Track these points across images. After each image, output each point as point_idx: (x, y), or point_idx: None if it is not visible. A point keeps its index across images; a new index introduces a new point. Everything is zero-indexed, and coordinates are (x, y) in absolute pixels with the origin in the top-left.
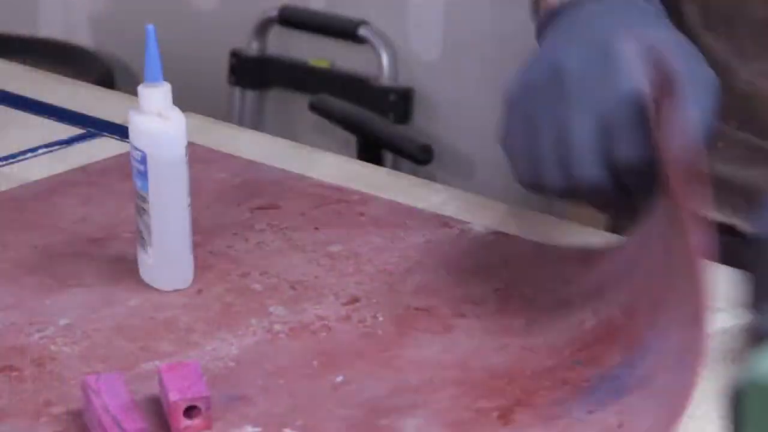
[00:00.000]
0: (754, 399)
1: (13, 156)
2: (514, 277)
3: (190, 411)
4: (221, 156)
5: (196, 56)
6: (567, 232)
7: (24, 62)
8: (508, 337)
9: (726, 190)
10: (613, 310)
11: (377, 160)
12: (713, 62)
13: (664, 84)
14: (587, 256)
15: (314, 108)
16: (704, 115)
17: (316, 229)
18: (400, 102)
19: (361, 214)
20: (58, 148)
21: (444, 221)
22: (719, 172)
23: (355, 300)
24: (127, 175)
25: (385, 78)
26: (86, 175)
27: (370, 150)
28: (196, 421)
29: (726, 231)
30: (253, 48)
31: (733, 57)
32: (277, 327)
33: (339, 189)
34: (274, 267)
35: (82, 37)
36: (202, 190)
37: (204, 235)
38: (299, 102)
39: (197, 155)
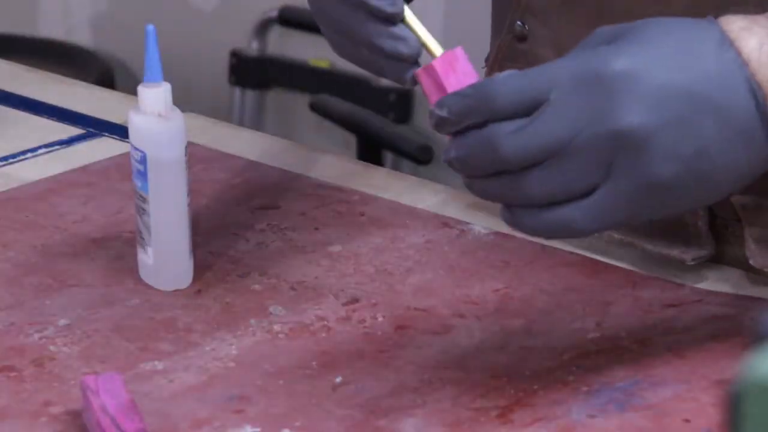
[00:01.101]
0: (754, 399)
1: (13, 156)
2: (514, 277)
3: None
4: (221, 156)
5: (196, 56)
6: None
7: (24, 62)
8: (507, 337)
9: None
10: (620, 331)
11: (377, 160)
12: None
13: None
14: (591, 264)
15: (314, 108)
16: None
17: (316, 229)
18: (400, 102)
19: (361, 214)
20: (58, 148)
21: (444, 221)
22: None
23: (355, 300)
24: (127, 175)
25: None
26: (86, 175)
27: (370, 150)
28: None
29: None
30: (253, 48)
31: None
32: (276, 327)
33: (339, 189)
34: (273, 267)
35: (82, 37)
36: (202, 190)
37: (204, 235)
38: (299, 102)
39: (197, 155)
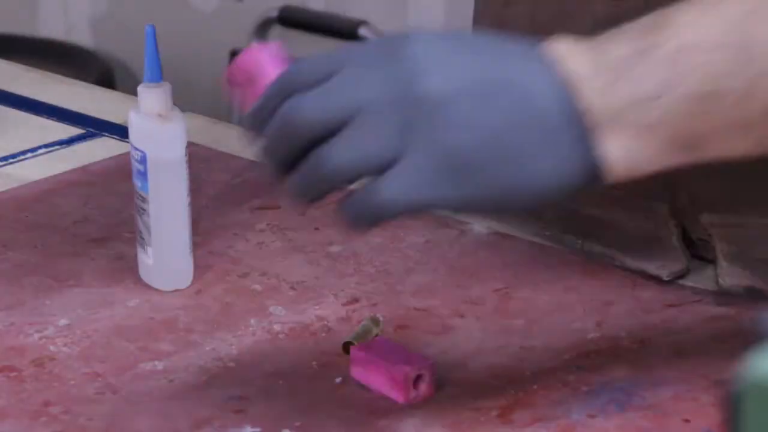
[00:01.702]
0: (754, 399)
1: (13, 156)
2: (514, 277)
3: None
4: (221, 156)
5: (196, 56)
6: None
7: (24, 62)
8: (507, 337)
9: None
10: (620, 331)
11: None
12: None
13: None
14: (591, 264)
15: None
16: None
17: (316, 229)
18: None
19: None
20: (58, 148)
21: (444, 221)
22: (590, 213)
23: (355, 300)
24: (127, 175)
25: None
26: (86, 175)
27: None
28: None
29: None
30: None
31: None
32: (276, 327)
33: (339, 189)
34: (274, 267)
35: (82, 37)
36: (202, 190)
37: (204, 235)
38: None
39: (197, 155)
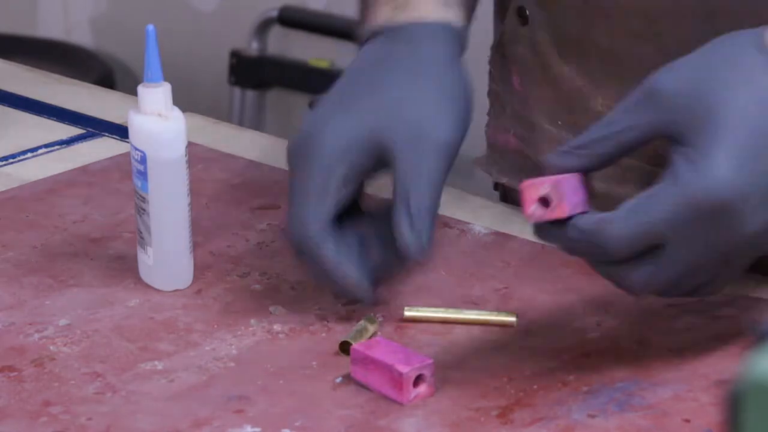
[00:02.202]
0: (754, 399)
1: (13, 156)
2: (514, 278)
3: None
4: (221, 156)
5: (196, 56)
6: None
7: (24, 62)
8: (507, 337)
9: (604, 204)
10: (620, 331)
11: None
12: (569, 88)
13: None
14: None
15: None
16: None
17: None
18: None
19: None
20: (58, 148)
21: (444, 221)
22: (597, 188)
23: (355, 300)
24: (127, 175)
25: None
26: (86, 175)
27: None
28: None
29: None
30: (253, 48)
31: (586, 83)
32: (276, 327)
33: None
34: (274, 267)
35: (82, 37)
36: (202, 190)
37: (204, 235)
38: (299, 102)
39: (197, 155)
